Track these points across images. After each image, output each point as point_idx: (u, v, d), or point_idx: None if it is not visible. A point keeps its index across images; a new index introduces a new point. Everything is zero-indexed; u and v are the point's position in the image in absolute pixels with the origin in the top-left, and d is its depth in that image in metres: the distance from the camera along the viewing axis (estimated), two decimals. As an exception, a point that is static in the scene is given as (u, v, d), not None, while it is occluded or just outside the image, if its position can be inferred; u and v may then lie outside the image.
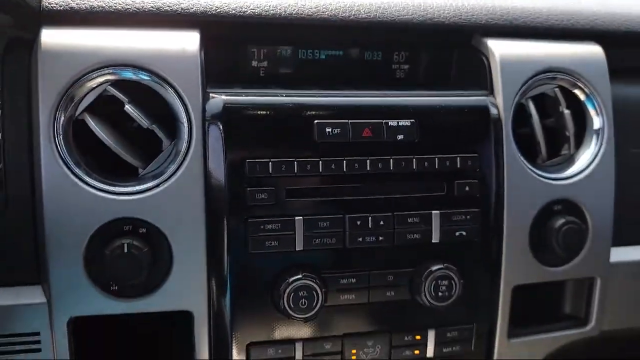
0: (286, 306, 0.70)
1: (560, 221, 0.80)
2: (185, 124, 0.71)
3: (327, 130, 0.72)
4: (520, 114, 0.84)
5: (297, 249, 0.72)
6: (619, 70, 0.89)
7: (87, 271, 0.68)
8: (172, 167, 0.70)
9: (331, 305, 0.74)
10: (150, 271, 0.69)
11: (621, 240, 0.89)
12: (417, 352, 0.78)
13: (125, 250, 0.67)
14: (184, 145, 0.71)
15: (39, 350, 0.70)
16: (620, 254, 0.88)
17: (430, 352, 0.79)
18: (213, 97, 0.71)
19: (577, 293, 0.89)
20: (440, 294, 0.74)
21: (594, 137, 0.84)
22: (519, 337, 0.85)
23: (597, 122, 0.84)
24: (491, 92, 0.81)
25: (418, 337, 0.78)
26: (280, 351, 0.74)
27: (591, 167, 0.83)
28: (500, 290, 0.81)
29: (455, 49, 0.88)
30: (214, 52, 0.77)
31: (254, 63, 0.84)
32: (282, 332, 0.74)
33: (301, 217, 0.71)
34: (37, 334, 0.70)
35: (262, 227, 0.71)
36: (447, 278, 0.74)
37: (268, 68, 0.85)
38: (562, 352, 0.91)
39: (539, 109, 0.85)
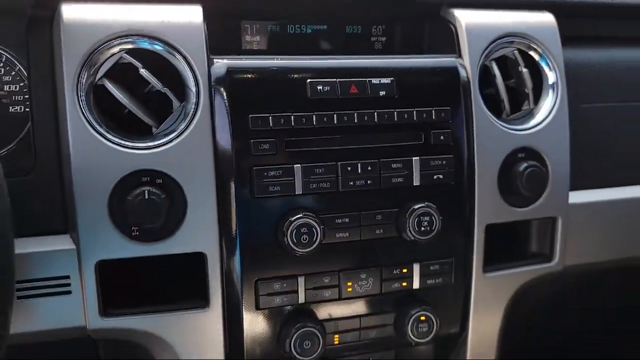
0: (290, 242, 0.79)
1: (524, 165, 0.92)
2: (193, 88, 0.80)
3: (319, 88, 0.82)
4: (485, 77, 0.96)
5: (296, 193, 0.82)
6: (570, 38, 1.02)
7: (111, 218, 0.77)
8: (183, 125, 0.80)
9: (328, 243, 0.83)
10: (167, 217, 0.78)
11: (578, 185, 1.01)
12: (404, 284, 0.89)
13: (146, 196, 0.76)
14: (192, 106, 0.80)
15: (69, 292, 0.79)
16: (578, 197, 1.00)
17: (416, 283, 0.89)
18: (217, 62, 0.81)
19: (542, 233, 1.01)
20: (422, 229, 0.84)
21: (550, 91, 0.96)
22: (493, 272, 0.96)
23: (551, 77, 0.96)
24: (459, 55, 0.93)
25: (405, 271, 0.88)
26: (285, 285, 0.83)
27: (548, 118, 0.95)
28: (474, 228, 0.92)
29: (426, 21, 0.99)
30: (212, 26, 0.86)
31: (248, 37, 0.94)
32: (286, 268, 0.84)
33: (299, 165, 0.81)
34: (67, 277, 0.78)
35: (265, 174, 0.80)
36: (428, 215, 0.84)
37: (260, 42, 0.95)
38: (532, 287, 1.02)
39: (502, 71, 0.97)
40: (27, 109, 0.79)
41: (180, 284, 0.86)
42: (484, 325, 0.98)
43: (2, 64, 0.78)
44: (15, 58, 0.78)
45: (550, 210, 0.97)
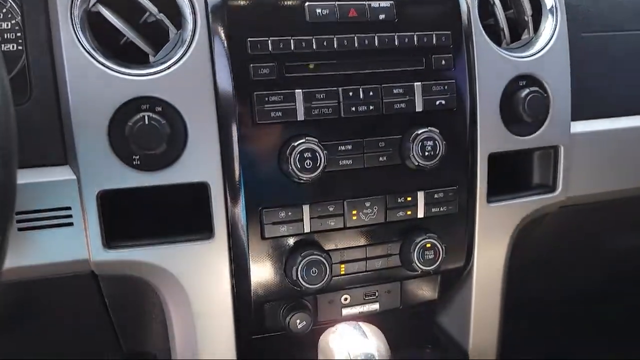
0: (293, 168, 0.78)
1: (525, 91, 0.91)
2: (190, 15, 0.79)
3: (317, 11, 0.81)
4: (484, 9, 0.95)
5: (298, 119, 0.81)
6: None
7: (112, 146, 0.76)
8: (180, 52, 0.78)
9: (332, 171, 0.83)
10: (169, 144, 0.77)
11: (579, 116, 1.01)
12: (409, 212, 0.88)
13: (146, 122, 0.75)
14: (189, 33, 0.79)
15: (71, 224, 0.77)
16: (579, 126, 1.00)
17: (420, 212, 0.89)
18: (213, -13, 0.79)
19: (544, 164, 1.01)
20: (427, 153, 0.83)
21: (550, 17, 0.95)
22: (497, 202, 0.96)
23: (549, 1, 0.95)
24: (457, -20, 0.92)
25: (409, 199, 0.88)
26: (290, 213, 0.83)
27: (549, 45, 0.94)
28: (477, 156, 0.92)
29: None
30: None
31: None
32: (290, 197, 0.83)
33: (300, 90, 0.80)
34: (69, 208, 0.77)
35: (266, 99, 0.79)
36: (431, 139, 0.84)
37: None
38: (535, 221, 1.02)
39: (502, 3, 0.96)
40: (21, 47, 0.78)
41: (185, 217, 0.85)
42: (489, 258, 0.98)
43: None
44: None
45: (552, 138, 0.97)
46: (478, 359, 1.03)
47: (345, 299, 0.94)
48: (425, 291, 1.00)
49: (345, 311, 0.95)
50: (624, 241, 1.21)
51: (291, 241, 0.84)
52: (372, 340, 0.66)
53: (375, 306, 0.96)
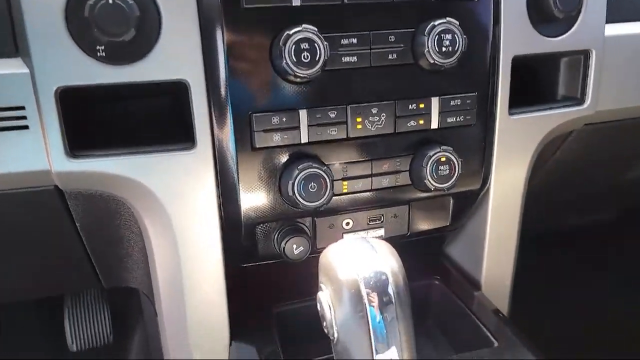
0: (288, 61, 0.66)
1: (558, -18, 0.79)
2: None
3: None
4: None
5: (293, 4, 0.68)
6: None
7: (69, 31, 0.63)
8: None
9: (333, 69, 0.71)
10: (138, 30, 0.64)
11: (614, 17, 0.88)
12: (421, 121, 0.77)
13: (110, 0, 0.62)
14: None
15: (26, 127, 0.65)
16: (613, 29, 0.88)
17: (434, 121, 0.77)
18: None
19: (573, 73, 0.89)
20: (444, 49, 0.71)
21: None
22: (519, 114, 0.85)
23: None
24: None
25: (422, 106, 0.76)
26: (284, 119, 0.71)
27: None
28: (499, 57, 0.80)
29: None
30: None
31: None
32: (285, 100, 0.71)
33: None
34: (22, 108, 0.65)
35: (255, -22, 0.66)
36: (450, 32, 0.71)
37: None
38: (560, 137, 0.91)
39: None
40: None
41: (163, 126, 0.73)
42: (507, 179, 0.88)
43: None
44: None
45: (584, 41, 0.84)
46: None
47: (347, 224, 0.84)
48: (436, 216, 0.89)
49: (347, 237, 0.85)
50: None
51: (286, 152, 0.73)
52: (383, 256, 0.55)
53: (380, 232, 0.86)
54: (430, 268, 0.99)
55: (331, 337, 0.56)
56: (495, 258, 0.94)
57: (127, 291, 1.04)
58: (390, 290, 0.54)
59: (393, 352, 0.52)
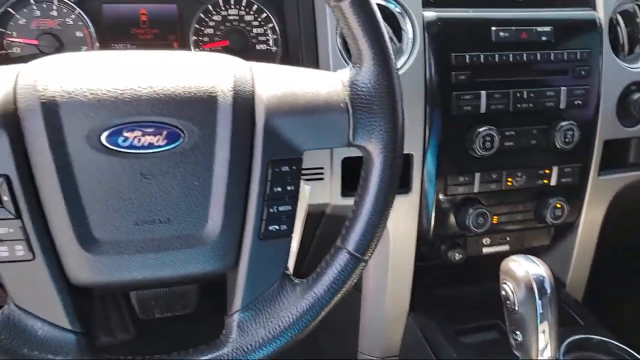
0: (477, 147, 1.11)
1: (637, 95, 1.23)
2: (410, 32, 1.09)
3: (500, 34, 1.11)
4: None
5: (481, 112, 1.13)
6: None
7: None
8: (402, 60, 1.09)
9: (500, 150, 1.15)
10: None
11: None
12: (545, 181, 1.22)
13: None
14: (409, 44, 1.09)
15: (321, 179, 1.11)
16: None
17: (553, 181, 1.22)
18: (428, 12, 1.10)
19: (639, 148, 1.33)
20: (567, 139, 1.16)
21: (660, 37, 1.25)
22: (605, 175, 1.29)
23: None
24: (594, 8, 1.21)
25: (547, 171, 1.21)
26: (467, 178, 1.16)
27: (656, 59, 1.25)
28: (595, 141, 1.24)
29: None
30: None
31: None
32: (468, 168, 1.16)
33: (484, 92, 1.12)
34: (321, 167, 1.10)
35: (461, 97, 1.11)
36: (571, 130, 1.16)
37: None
38: (631, 188, 1.35)
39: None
40: None
41: None
42: (592, 214, 1.32)
43: None
44: None
45: (651, 131, 1.29)
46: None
47: (486, 241, 1.29)
48: (541, 238, 1.35)
49: (485, 249, 1.30)
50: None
51: (464, 198, 1.18)
52: (542, 267, 1.00)
53: (506, 247, 1.31)
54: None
55: (512, 311, 1.01)
56: (578, 267, 1.38)
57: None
58: (547, 284, 0.99)
59: (548, 322, 0.97)
